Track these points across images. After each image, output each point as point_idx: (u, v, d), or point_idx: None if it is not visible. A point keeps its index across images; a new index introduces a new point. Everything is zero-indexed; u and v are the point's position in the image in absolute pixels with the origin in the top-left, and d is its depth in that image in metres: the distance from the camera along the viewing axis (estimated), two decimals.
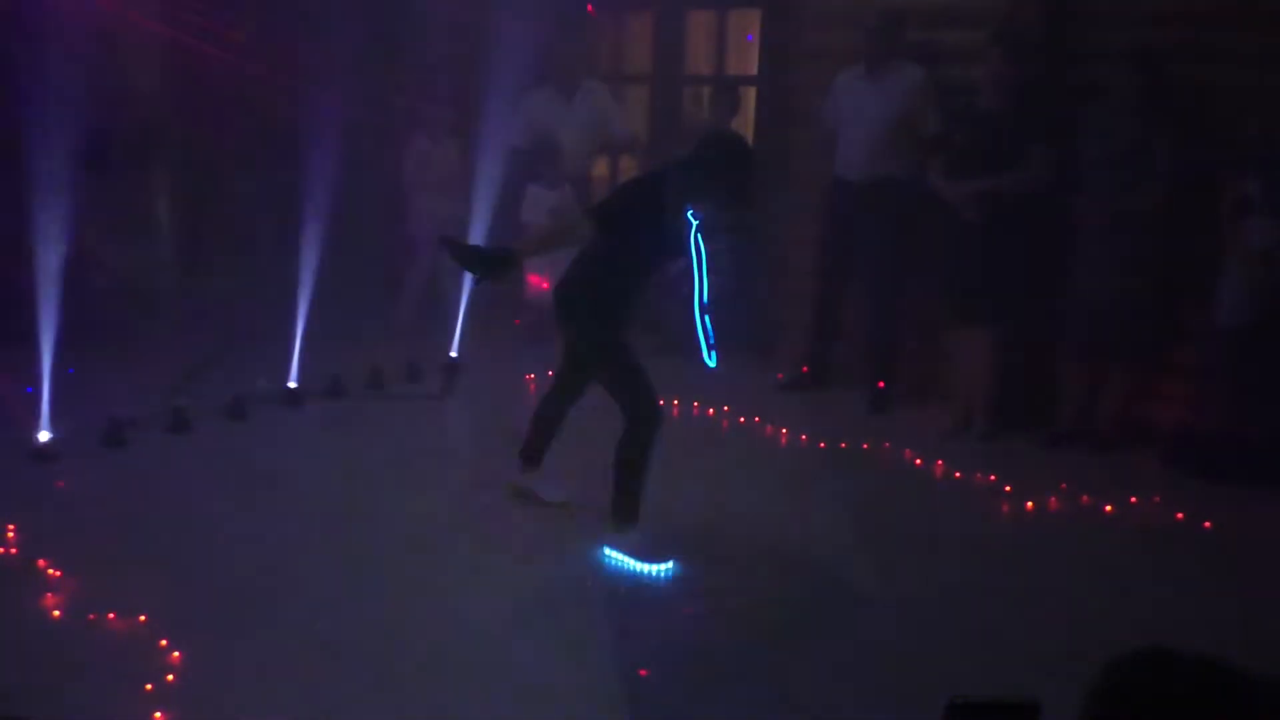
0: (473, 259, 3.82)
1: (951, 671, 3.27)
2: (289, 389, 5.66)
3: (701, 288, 3.98)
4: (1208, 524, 4.51)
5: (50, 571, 3.74)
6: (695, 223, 3.93)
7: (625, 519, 4.02)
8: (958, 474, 5.00)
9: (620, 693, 3.17)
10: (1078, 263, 5.25)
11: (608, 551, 4.03)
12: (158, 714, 2.94)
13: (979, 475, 4.95)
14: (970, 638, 3.53)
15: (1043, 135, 5.26)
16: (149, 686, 3.07)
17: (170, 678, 3.12)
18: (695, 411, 5.79)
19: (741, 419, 5.70)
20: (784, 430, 5.53)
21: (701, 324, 4.00)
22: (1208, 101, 5.07)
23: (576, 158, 6.89)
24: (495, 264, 3.78)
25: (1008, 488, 4.82)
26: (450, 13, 7.48)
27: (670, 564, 3.97)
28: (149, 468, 4.80)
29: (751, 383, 6.17)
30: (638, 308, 4.16)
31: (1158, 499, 4.70)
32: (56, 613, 3.50)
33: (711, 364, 4.06)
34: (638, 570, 3.95)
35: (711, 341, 4.01)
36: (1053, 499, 4.73)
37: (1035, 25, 5.49)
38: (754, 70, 7.14)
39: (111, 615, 3.44)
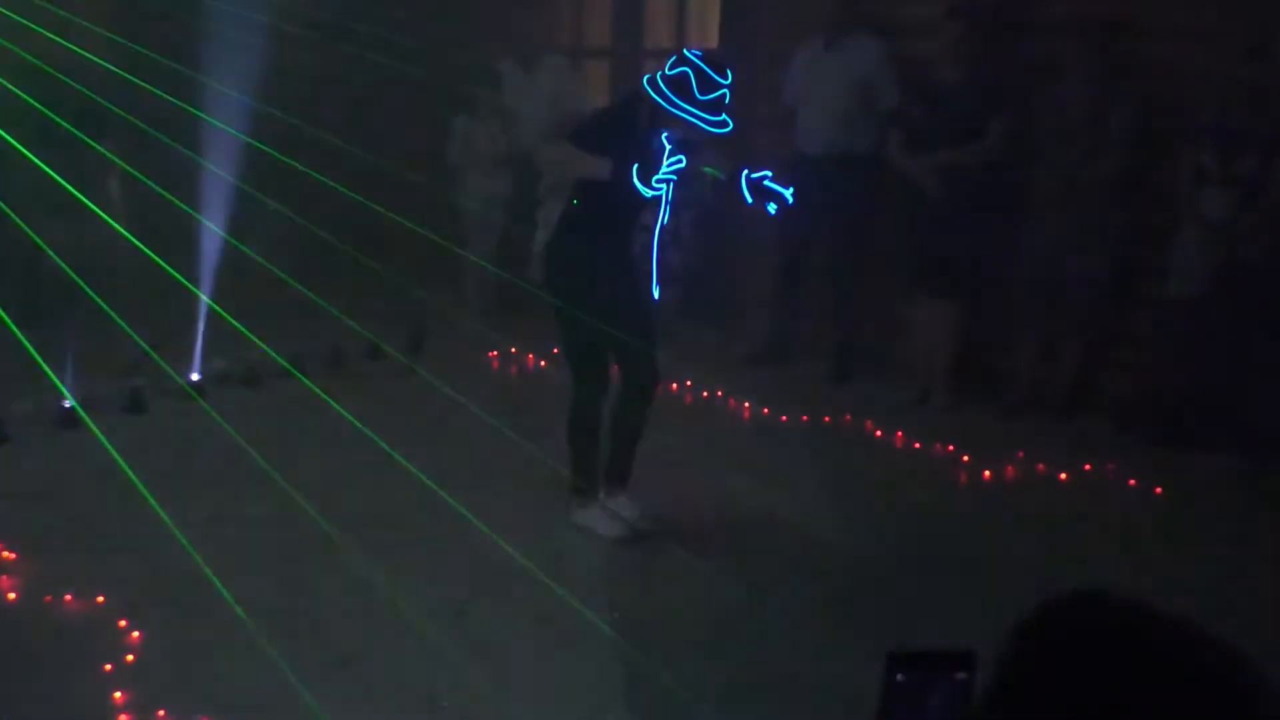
0: None
1: (907, 634, 3.31)
2: (248, 369, 5.58)
3: (664, 217, 3.88)
4: (1159, 490, 4.60)
5: (4, 554, 3.70)
6: (669, 148, 3.71)
7: (581, 491, 4.03)
8: (917, 444, 5.06)
9: (592, 665, 3.19)
10: (1035, 233, 5.30)
11: (576, 525, 4.04)
12: (117, 694, 2.92)
13: (938, 445, 5.02)
14: (926, 603, 3.57)
15: (1000, 108, 5.30)
16: (108, 667, 3.05)
17: (130, 658, 3.10)
18: (658, 387, 5.79)
19: (705, 393, 5.72)
20: (746, 404, 5.56)
21: (657, 254, 3.89)
22: (1163, 73, 5.12)
23: (535, 131, 6.83)
24: None
25: (966, 457, 4.89)
26: None
27: (636, 535, 4.00)
28: (104, 448, 4.73)
29: (714, 357, 6.18)
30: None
31: (1112, 466, 4.79)
32: (12, 595, 3.46)
33: (655, 296, 3.98)
34: (606, 542, 3.97)
35: (657, 274, 3.94)
36: (1010, 467, 4.80)
37: None
38: (714, 43, 7.12)
39: (69, 596, 3.41)
